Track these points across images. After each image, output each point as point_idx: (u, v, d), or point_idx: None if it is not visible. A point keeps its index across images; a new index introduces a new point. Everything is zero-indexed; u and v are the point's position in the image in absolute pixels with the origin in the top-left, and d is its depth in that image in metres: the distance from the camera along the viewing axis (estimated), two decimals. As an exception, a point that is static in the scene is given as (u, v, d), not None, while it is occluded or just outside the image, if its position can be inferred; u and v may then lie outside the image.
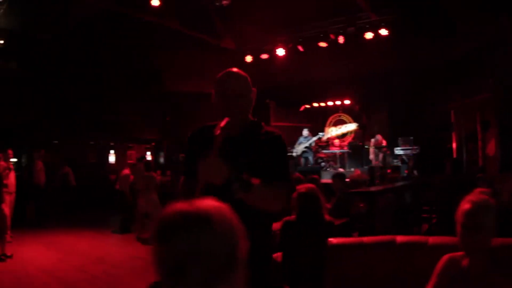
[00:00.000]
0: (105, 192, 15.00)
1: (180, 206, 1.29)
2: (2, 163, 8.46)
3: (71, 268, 8.18)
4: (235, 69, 2.86)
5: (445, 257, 2.70)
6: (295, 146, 16.35)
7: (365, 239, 3.78)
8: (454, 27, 12.77)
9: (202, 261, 1.21)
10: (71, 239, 11.11)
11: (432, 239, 3.36)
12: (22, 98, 14.51)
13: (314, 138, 16.28)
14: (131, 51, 15.42)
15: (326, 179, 12.70)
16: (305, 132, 16.45)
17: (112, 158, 17.95)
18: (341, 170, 15.81)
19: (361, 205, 7.54)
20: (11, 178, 8.69)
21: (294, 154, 16.25)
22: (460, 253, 2.64)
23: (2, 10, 11.95)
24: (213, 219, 1.26)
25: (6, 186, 8.27)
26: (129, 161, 16.44)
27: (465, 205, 2.56)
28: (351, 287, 3.51)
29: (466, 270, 2.57)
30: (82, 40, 14.28)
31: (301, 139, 16.35)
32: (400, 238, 3.52)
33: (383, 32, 13.83)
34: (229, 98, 2.72)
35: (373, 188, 9.08)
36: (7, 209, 8.25)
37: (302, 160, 16.26)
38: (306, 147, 16.01)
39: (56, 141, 16.11)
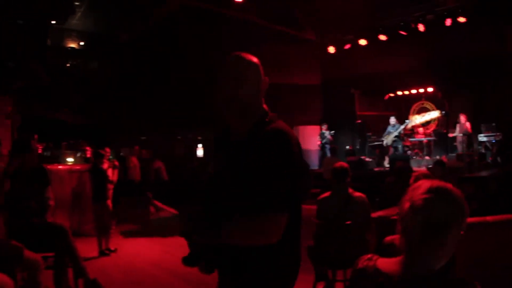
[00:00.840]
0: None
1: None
2: (105, 161, 8.77)
3: (178, 260, 8.35)
4: (236, 55, 2.35)
5: None
6: (384, 135, 16.42)
7: (489, 218, 3.95)
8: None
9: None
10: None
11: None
12: (107, 98, 15.11)
13: (402, 126, 16.25)
14: (213, 46, 16.15)
15: (413, 166, 12.87)
16: (393, 120, 16.34)
17: (200, 152, 18.55)
18: (427, 158, 15.90)
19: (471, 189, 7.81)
20: (116, 175, 8.97)
21: (384, 143, 16.41)
22: None
23: (80, 13, 12.90)
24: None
25: (111, 182, 8.75)
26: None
27: None
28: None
29: None
30: (165, 38, 15.10)
31: (389, 128, 16.30)
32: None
33: (461, 19, 13.84)
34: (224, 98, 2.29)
35: (484, 173, 9.68)
36: (110, 205, 8.72)
37: (392, 149, 16.30)
38: (395, 136, 16.00)
39: (144, 137, 16.91)
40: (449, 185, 1.80)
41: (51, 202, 5.65)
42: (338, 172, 5.35)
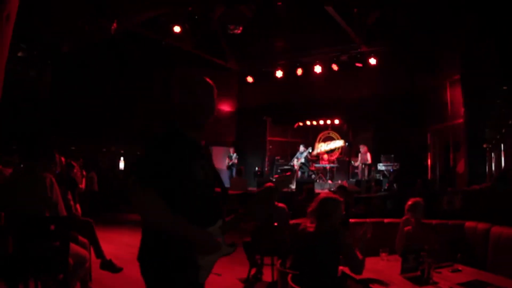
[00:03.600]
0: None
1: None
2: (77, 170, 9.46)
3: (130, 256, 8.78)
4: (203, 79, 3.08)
5: None
6: (293, 160, 18.10)
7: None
8: (433, 61, 14.83)
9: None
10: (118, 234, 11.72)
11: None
12: (41, 106, 15.21)
13: (305, 153, 17.96)
14: (148, 66, 17.19)
15: (317, 189, 14.45)
16: (302, 148, 18.16)
17: (121, 165, 19.07)
18: (329, 182, 17.75)
19: (362, 207, 9.73)
20: (83, 183, 9.78)
21: (294, 167, 17.93)
22: None
23: None
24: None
25: (81, 189, 9.40)
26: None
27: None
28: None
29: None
30: (102, 53, 15.74)
31: (298, 154, 18.10)
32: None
33: (372, 61, 15.82)
34: None
35: (371, 194, 11.99)
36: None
37: (299, 173, 17.95)
38: (302, 163, 17.79)
39: (73, 147, 17.09)
40: (334, 195, 4.63)
41: (72, 202, 6.78)
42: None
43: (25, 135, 13.84)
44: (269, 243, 7.23)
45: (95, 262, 6.64)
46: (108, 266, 6.68)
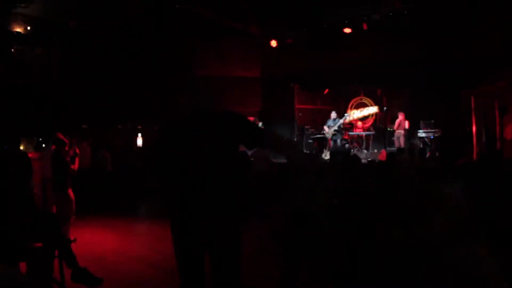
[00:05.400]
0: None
1: None
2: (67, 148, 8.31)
3: (138, 246, 8.47)
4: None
5: None
6: (325, 128, 16.60)
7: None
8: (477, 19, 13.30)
9: None
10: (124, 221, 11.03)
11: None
12: (50, 84, 14.43)
13: (341, 120, 16.45)
14: (165, 37, 15.97)
15: None
16: (333, 114, 16.59)
17: (139, 141, 18.06)
18: (365, 151, 16.53)
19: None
20: (77, 163, 8.54)
21: (327, 135, 16.51)
22: None
23: None
24: None
25: (73, 171, 8.31)
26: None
27: None
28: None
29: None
30: (112, 27, 14.80)
31: (329, 122, 16.52)
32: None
33: (405, 20, 14.49)
34: None
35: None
36: (72, 194, 8.26)
37: (332, 142, 16.50)
38: (335, 130, 16.23)
39: (85, 125, 16.15)
40: None
41: (36, 190, 5.56)
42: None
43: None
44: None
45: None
46: (83, 277, 5.41)
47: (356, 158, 8.23)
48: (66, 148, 8.31)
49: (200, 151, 3.51)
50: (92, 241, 8.61)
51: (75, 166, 8.47)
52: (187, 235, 3.51)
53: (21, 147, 12.41)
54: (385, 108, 17.08)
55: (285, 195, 6.03)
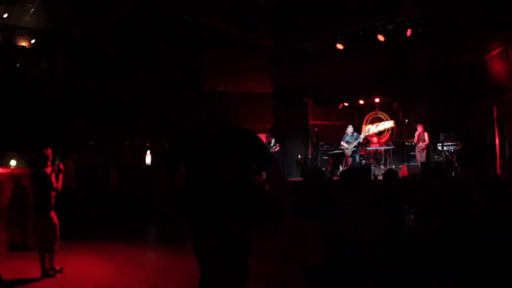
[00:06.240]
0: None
1: None
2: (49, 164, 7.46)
3: (135, 281, 7.14)
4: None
5: None
6: (343, 144, 15.72)
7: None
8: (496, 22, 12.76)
9: None
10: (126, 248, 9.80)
11: None
12: (55, 98, 13.91)
13: (362, 136, 15.84)
14: (169, 48, 15.64)
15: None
16: (350, 128, 15.61)
17: (148, 159, 17.64)
18: (382, 167, 15.87)
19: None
20: (60, 181, 7.57)
21: (346, 151, 15.67)
22: None
23: (33, 9, 11.98)
24: None
25: (56, 190, 7.46)
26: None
27: None
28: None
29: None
30: (119, 38, 14.40)
31: (347, 137, 15.56)
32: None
33: (422, 29, 14.07)
34: None
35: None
36: (55, 217, 7.39)
37: (350, 158, 15.66)
38: (355, 146, 15.35)
39: (91, 142, 15.58)
40: None
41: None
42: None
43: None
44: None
45: None
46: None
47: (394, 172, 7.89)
48: (49, 163, 7.45)
49: (216, 162, 3.64)
50: (84, 271, 7.69)
51: (59, 184, 7.54)
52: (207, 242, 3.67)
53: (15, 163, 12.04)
54: (406, 120, 16.52)
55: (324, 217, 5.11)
